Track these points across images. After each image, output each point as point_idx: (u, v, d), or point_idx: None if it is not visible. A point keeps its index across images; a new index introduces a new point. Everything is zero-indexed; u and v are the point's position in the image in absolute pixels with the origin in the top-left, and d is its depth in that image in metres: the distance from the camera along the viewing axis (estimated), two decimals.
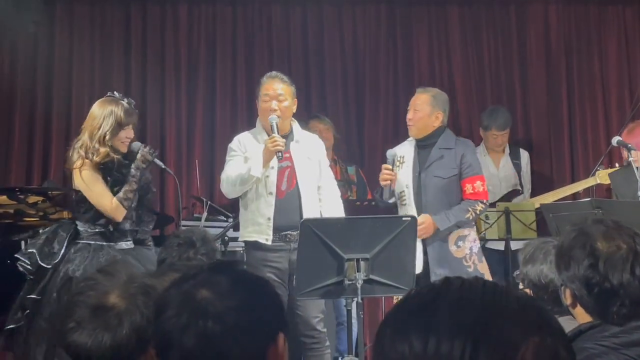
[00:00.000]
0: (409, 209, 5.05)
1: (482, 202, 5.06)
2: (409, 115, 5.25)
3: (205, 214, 5.90)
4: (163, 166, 4.95)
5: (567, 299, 2.36)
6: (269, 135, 4.85)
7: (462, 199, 5.05)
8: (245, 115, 7.08)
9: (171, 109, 7.05)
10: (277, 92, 4.94)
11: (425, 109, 5.19)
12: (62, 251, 4.49)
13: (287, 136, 4.94)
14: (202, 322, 1.52)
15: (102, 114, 4.53)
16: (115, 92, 4.70)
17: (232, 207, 6.53)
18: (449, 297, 0.99)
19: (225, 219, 6.12)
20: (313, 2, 7.26)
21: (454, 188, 5.06)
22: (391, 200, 5.11)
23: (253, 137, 4.99)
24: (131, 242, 4.67)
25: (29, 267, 4.46)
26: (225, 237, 5.61)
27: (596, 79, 7.30)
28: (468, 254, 5.00)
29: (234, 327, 1.53)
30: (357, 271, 4.06)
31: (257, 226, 4.77)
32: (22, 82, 6.93)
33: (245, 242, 4.96)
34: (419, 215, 4.91)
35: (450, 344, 0.93)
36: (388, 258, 4.13)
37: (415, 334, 0.96)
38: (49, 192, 5.76)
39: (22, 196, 5.60)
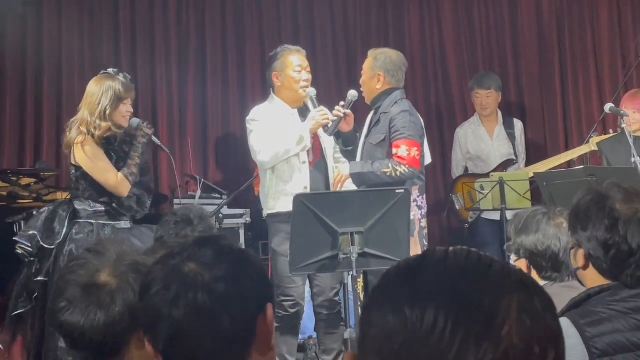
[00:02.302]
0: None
1: (405, 167, 4.72)
2: (360, 80, 5.16)
3: (199, 192, 5.89)
4: (159, 143, 4.99)
5: (580, 261, 2.34)
6: (291, 107, 4.96)
7: None
8: (237, 91, 7.07)
9: (162, 87, 7.02)
10: (306, 63, 4.97)
11: (367, 72, 5.05)
12: (64, 231, 4.46)
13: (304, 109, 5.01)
14: (191, 293, 1.53)
15: (100, 90, 4.51)
16: (109, 69, 4.69)
17: (225, 185, 6.54)
18: (430, 267, 0.99)
19: (219, 196, 6.12)
20: None
21: (382, 154, 4.84)
22: (330, 135, 4.94)
23: (274, 110, 4.98)
24: (129, 221, 4.66)
25: (29, 249, 4.42)
26: (220, 215, 5.61)
27: (588, 46, 7.27)
28: None
29: (223, 297, 1.54)
30: (352, 245, 4.06)
31: (291, 197, 4.39)
32: (11, 64, 6.87)
33: (275, 214, 4.85)
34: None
35: (433, 311, 0.93)
36: (382, 231, 4.13)
37: (398, 304, 0.95)
38: (42, 174, 5.76)
39: (14, 178, 5.60)
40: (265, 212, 4.98)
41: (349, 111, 4.89)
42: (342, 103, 4.89)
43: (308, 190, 4.77)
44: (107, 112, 4.49)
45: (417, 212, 4.95)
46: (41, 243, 4.42)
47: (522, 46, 7.30)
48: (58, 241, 4.43)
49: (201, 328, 1.53)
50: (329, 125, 4.87)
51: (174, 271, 1.56)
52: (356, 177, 4.77)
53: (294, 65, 4.96)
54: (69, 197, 4.82)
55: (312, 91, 4.94)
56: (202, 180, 6.05)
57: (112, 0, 7.03)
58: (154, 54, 7.03)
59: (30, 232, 4.45)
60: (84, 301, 2.00)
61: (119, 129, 4.55)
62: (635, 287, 2.24)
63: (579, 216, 2.32)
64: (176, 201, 6.00)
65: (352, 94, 4.94)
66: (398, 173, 4.71)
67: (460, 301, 0.94)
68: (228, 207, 6.02)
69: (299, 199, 4.16)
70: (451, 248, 1.01)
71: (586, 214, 2.30)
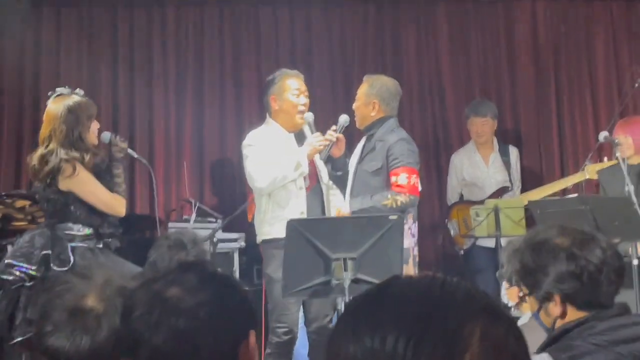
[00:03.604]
0: (346, 200, 5.01)
1: (405, 195, 4.78)
2: (354, 105, 5.16)
3: (194, 216, 5.88)
4: (136, 155, 4.87)
5: (556, 309, 2.32)
6: (288, 132, 4.93)
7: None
8: (234, 116, 7.07)
9: (159, 110, 7.03)
10: (304, 87, 4.96)
11: (361, 98, 5.08)
12: (70, 255, 4.30)
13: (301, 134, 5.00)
14: (173, 319, 1.52)
15: (65, 113, 4.36)
16: (60, 89, 4.52)
17: (221, 209, 6.53)
18: (393, 293, 0.98)
19: (214, 220, 6.11)
20: (300, 3, 7.25)
21: (380, 181, 4.88)
22: (325, 161, 4.92)
23: (271, 134, 4.95)
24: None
25: (31, 272, 4.27)
26: (215, 239, 5.59)
27: (584, 74, 7.30)
28: None
29: (205, 323, 1.53)
30: (345, 270, 4.04)
31: (285, 222, 4.34)
32: (9, 86, 6.90)
33: (271, 240, 4.80)
34: (351, 207, 4.90)
35: (394, 339, 0.92)
36: (375, 257, 4.11)
37: (359, 333, 0.95)
38: (37, 196, 5.74)
39: (9, 200, 5.59)
40: (260, 238, 4.93)
41: (341, 135, 4.89)
42: (333, 127, 4.89)
43: (305, 216, 4.75)
44: (83, 135, 4.38)
45: (412, 240, 4.95)
46: (53, 267, 4.26)
47: (519, 73, 7.33)
48: (71, 263, 4.27)
49: (182, 354, 1.52)
50: (324, 151, 4.88)
51: (157, 296, 1.55)
52: (358, 214, 4.76)
53: (292, 88, 4.94)
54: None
55: (310, 116, 4.92)
56: (198, 203, 6.05)
57: (111, 24, 7.07)
58: (151, 77, 7.05)
59: (43, 252, 4.28)
60: (69, 325, 1.99)
61: (97, 150, 4.48)
62: (612, 303, 2.26)
63: (534, 271, 2.34)
64: (171, 224, 6.00)
65: (344, 118, 4.94)
66: (398, 203, 4.76)
67: (422, 327, 0.93)
68: (223, 231, 6.00)
69: (292, 224, 4.15)
70: (417, 274, 1.01)
71: (538, 264, 2.32)
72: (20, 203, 5.64)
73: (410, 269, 4.88)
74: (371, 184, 4.90)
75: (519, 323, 3.15)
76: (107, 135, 4.58)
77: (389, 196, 4.77)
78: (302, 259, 4.12)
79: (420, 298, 0.97)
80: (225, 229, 6.03)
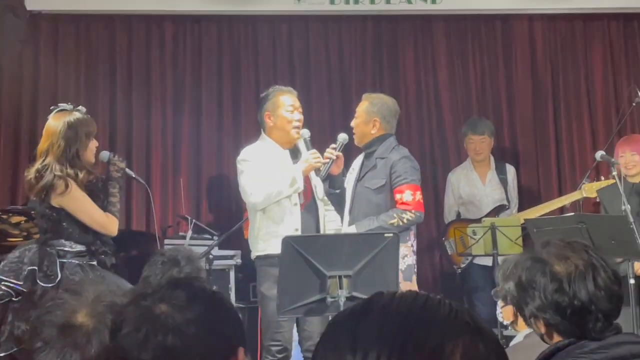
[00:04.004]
0: (344, 218, 5.01)
1: (411, 212, 4.84)
2: (352, 122, 5.19)
3: (190, 233, 5.87)
4: (134, 175, 4.85)
5: (541, 329, 2.34)
6: (282, 147, 4.93)
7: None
8: (231, 133, 7.07)
9: (157, 127, 7.04)
10: (298, 104, 4.96)
11: (361, 116, 5.11)
12: (58, 270, 4.27)
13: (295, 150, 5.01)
14: (161, 336, 1.51)
15: (66, 131, 4.33)
16: (62, 104, 4.49)
17: (217, 226, 6.52)
18: (375, 309, 0.98)
19: (210, 237, 6.10)
20: (299, 18, 7.26)
21: (383, 199, 4.92)
22: (324, 179, 4.93)
23: (265, 150, 4.94)
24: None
25: (19, 287, 4.24)
26: (210, 255, 5.58)
27: (582, 93, 7.31)
28: None
29: (193, 340, 1.52)
30: (340, 288, 4.02)
31: (280, 238, 4.32)
32: (6, 101, 6.91)
33: (265, 256, 4.78)
34: (349, 225, 4.92)
35: (375, 355, 0.91)
36: (370, 275, 4.09)
37: (344, 348, 0.94)
38: (33, 212, 5.72)
39: (4, 216, 5.57)
40: (254, 254, 4.91)
41: (340, 154, 4.90)
42: (333, 145, 4.90)
43: (299, 233, 4.74)
44: (80, 153, 4.36)
45: (413, 257, 4.96)
46: (39, 282, 4.23)
47: (516, 92, 7.34)
48: (58, 279, 4.24)
49: None
50: (321, 168, 4.87)
51: (145, 312, 1.54)
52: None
53: (286, 105, 4.94)
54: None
55: (306, 132, 4.93)
56: (194, 220, 6.04)
57: (109, 42, 7.08)
58: (149, 93, 7.06)
59: (29, 268, 4.26)
60: (59, 342, 1.97)
61: (94, 168, 4.45)
62: (601, 338, 2.23)
63: (525, 289, 2.32)
64: (167, 241, 5.98)
65: (343, 137, 4.96)
66: (405, 220, 4.81)
67: (403, 344, 0.92)
68: (219, 248, 5.99)
69: (287, 241, 4.12)
70: (399, 292, 1.00)
71: (531, 285, 2.30)
72: (15, 219, 5.63)
73: (414, 286, 4.90)
74: (373, 201, 4.92)
75: (514, 342, 3.13)
76: (105, 155, 4.57)
77: (395, 215, 4.80)
78: (297, 276, 4.10)
79: (402, 315, 0.96)
80: (222, 245, 6.02)
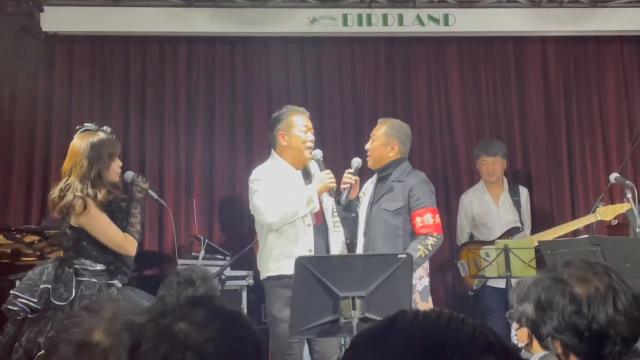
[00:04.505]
0: (358, 240, 5.02)
1: (432, 236, 4.89)
2: (367, 145, 5.21)
3: (202, 252, 5.87)
4: (156, 197, 4.84)
5: (558, 349, 2.32)
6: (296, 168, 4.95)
7: (413, 234, 4.94)
8: (244, 153, 7.09)
9: (170, 147, 7.06)
10: (310, 124, 5.00)
11: (381, 139, 5.14)
12: (73, 289, 4.28)
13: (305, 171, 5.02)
14: (180, 354, 1.50)
15: (89, 151, 4.37)
16: (88, 124, 4.51)
17: (229, 246, 6.51)
18: (399, 328, 0.97)
19: (222, 257, 6.09)
20: (311, 41, 7.29)
21: (401, 221, 4.94)
22: (344, 203, 4.98)
23: (278, 170, 4.94)
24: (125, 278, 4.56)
25: (34, 304, 4.24)
26: (223, 276, 5.57)
27: (595, 115, 7.31)
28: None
29: (212, 358, 1.50)
30: (353, 309, 4.00)
31: (293, 259, 4.26)
32: (21, 121, 6.95)
33: (277, 277, 4.77)
34: (365, 248, 4.93)
35: None
36: (384, 296, 4.07)
37: None
38: (46, 232, 5.74)
39: (18, 235, 5.58)
40: (264, 274, 4.89)
41: (357, 178, 4.95)
42: (349, 170, 4.92)
43: (312, 253, 4.73)
44: (102, 173, 4.38)
45: (428, 279, 4.97)
46: (52, 300, 4.24)
47: (529, 113, 7.34)
48: (71, 297, 4.25)
49: None
50: (343, 193, 4.93)
51: (165, 330, 1.53)
52: None
53: (300, 125, 4.95)
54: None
55: (319, 153, 4.94)
56: (206, 240, 6.04)
57: (123, 62, 7.13)
58: (162, 113, 7.09)
59: (43, 286, 4.26)
60: (76, 359, 1.97)
61: (116, 189, 4.46)
62: None
63: (544, 309, 2.31)
64: (180, 261, 5.98)
65: (357, 161, 5.02)
66: (430, 247, 4.86)
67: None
68: (231, 269, 5.99)
69: (300, 262, 4.11)
70: (422, 310, 0.99)
71: (550, 306, 2.29)
72: (29, 238, 5.64)
73: (430, 307, 4.88)
74: (391, 223, 4.94)
75: None
76: (130, 175, 4.60)
77: (419, 247, 4.84)
78: (310, 297, 4.08)
79: (426, 334, 0.95)
80: (234, 266, 6.02)
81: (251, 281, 6.09)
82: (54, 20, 6.90)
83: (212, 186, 7.06)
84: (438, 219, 4.99)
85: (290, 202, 4.76)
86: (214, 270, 5.52)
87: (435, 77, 7.38)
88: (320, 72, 7.31)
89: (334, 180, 4.82)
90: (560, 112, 7.31)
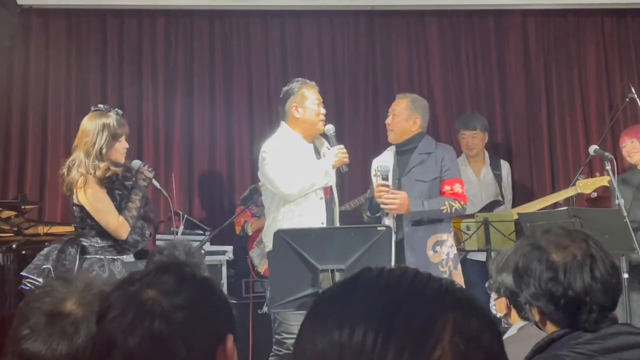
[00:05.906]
0: (388, 218, 5.02)
1: (459, 203, 5.04)
2: (388, 120, 5.24)
3: (182, 228, 5.83)
4: (159, 186, 4.86)
5: (535, 316, 2.33)
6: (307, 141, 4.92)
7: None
8: (223, 128, 7.04)
9: (149, 122, 7.00)
10: (321, 98, 5.00)
11: (403, 114, 5.19)
12: (76, 267, 4.36)
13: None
14: (148, 321, 1.47)
15: (95, 128, 4.46)
16: (101, 105, 4.64)
17: (209, 221, 6.49)
18: (362, 285, 0.94)
19: (202, 232, 6.06)
20: (291, 14, 7.24)
21: (435, 191, 5.04)
22: (378, 214, 5.07)
23: (291, 142, 4.88)
24: (132, 255, 4.60)
25: (39, 284, 4.25)
26: (202, 250, 5.55)
27: (575, 88, 7.31)
28: (445, 259, 4.98)
29: (181, 326, 1.48)
30: (333, 282, 3.99)
31: None
32: None
33: None
34: (397, 223, 4.91)
35: (362, 331, 0.88)
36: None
37: (326, 326, 0.91)
38: (23, 207, 5.70)
39: None
40: (270, 247, 4.86)
41: (388, 182, 4.97)
42: (381, 182, 4.91)
43: (324, 226, 4.73)
44: (103, 151, 4.44)
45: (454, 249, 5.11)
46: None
47: (509, 87, 7.33)
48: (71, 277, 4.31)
49: (157, 357, 1.47)
50: (373, 204, 5.00)
51: (132, 297, 1.50)
52: (415, 214, 4.93)
53: (312, 98, 4.93)
54: (72, 231, 4.78)
55: (331, 128, 4.94)
56: (186, 216, 6.00)
57: (100, 37, 7.04)
58: (140, 88, 7.02)
59: (45, 266, 4.36)
60: (47, 330, 1.93)
61: (117, 167, 4.50)
62: (595, 330, 2.20)
63: (521, 276, 2.30)
64: (159, 236, 5.96)
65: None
66: (454, 209, 5.01)
67: (391, 319, 0.88)
68: (211, 244, 5.96)
69: (279, 235, 4.09)
70: (387, 267, 0.97)
71: (526, 272, 2.28)
72: (5, 214, 5.59)
73: (460, 275, 5.10)
74: (426, 192, 5.02)
75: (507, 334, 3.11)
76: (137, 163, 4.66)
77: (446, 202, 4.98)
78: (290, 270, 4.06)
79: (390, 290, 0.92)
80: (214, 241, 5.99)
81: (231, 256, 6.07)
82: None
83: (191, 161, 7.02)
84: (464, 191, 5.14)
85: (308, 173, 4.75)
86: (194, 245, 5.49)
87: (416, 51, 7.35)
88: (300, 46, 7.26)
89: (347, 155, 4.87)
90: (541, 85, 7.31)
